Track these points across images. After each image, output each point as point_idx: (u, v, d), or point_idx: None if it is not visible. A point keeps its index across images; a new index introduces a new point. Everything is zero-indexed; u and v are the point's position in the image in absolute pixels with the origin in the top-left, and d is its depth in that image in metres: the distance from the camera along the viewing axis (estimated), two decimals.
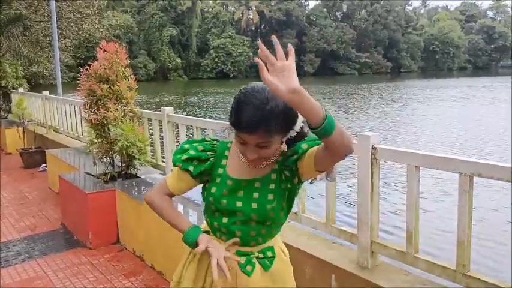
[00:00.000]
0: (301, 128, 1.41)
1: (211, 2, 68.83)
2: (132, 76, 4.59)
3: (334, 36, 65.59)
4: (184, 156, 1.52)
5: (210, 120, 4.03)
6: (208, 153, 1.52)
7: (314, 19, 69.52)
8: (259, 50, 1.18)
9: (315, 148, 1.35)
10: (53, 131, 8.14)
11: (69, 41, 20.18)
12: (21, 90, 10.08)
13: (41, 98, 8.55)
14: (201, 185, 1.58)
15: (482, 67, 77.16)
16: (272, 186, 1.45)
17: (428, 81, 47.16)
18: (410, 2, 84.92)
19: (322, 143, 1.26)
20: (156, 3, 58.21)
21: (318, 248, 2.67)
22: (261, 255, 1.50)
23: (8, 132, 8.77)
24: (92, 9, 17.72)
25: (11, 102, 10.18)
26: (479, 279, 2.01)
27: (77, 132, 6.98)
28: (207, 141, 1.56)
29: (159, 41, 57.59)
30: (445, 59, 74.56)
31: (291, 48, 1.21)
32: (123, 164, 4.55)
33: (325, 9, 71.28)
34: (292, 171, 1.44)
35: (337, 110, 21.89)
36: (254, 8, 65.85)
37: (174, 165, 1.54)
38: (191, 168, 1.51)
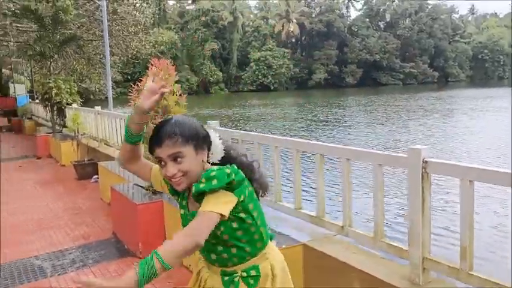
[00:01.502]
0: (228, 152, 1.57)
1: (251, 16, 69.89)
2: (180, 91, 4.74)
3: (377, 46, 64.64)
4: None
5: (255, 133, 4.10)
6: None
7: (356, 29, 68.88)
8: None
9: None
10: (104, 144, 8.50)
11: (118, 58, 21.08)
12: (75, 105, 10.62)
13: (93, 112, 8.98)
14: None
15: None
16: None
17: (476, 91, 45.36)
18: (457, 9, 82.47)
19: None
20: (199, 20, 59.77)
21: (367, 263, 2.64)
22: (244, 274, 1.57)
23: (63, 145, 9.23)
24: (139, 27, 18.46)
25: (65, 117, 10.73)
26: None
27: None
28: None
29: (201, 56, 58.95)
30: (494, 68, 71.63)
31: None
32: None
33: (367, 19, 70.46)
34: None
35: (373, 122, 21.44)
36: (294, 21, 66.14)
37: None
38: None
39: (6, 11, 14.40)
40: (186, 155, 1.46)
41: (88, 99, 26.06)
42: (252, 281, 1.57)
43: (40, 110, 14.56)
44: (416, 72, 66.55)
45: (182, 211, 1.63)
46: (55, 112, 10.86)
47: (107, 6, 15.59)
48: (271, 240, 1.73)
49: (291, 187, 3.88)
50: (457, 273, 2.25)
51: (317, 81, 63.48)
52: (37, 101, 14.47)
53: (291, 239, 3.19)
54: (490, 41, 70.84)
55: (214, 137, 1.57)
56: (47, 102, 10.71)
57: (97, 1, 12.59)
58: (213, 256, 1.60)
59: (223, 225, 1.49)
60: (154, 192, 4.51)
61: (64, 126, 10.78)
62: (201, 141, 1.51)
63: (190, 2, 64.45)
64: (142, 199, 4.42)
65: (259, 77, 61.28)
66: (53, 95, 10.36)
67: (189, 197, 1.59)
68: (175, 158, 1.46)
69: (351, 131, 18.93)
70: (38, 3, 12.96)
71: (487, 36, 72.09)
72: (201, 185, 1.42)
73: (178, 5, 64.47)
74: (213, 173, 1.42)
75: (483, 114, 23.59)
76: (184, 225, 1.60)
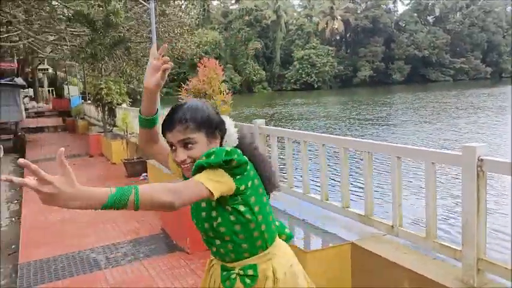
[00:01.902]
0: (242, 142, 1.54)
1: (295, 14, 69.53)
2: (227, 91, 4.82)
3: (425, 42, 62.50)
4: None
5: (301, 131, 4.09)
6: None
7: (403, 25, 66.93)
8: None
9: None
10: None
11: None
12: (124, 105, 11.02)
13: None
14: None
15: None
16: (213, 203, 1.47)
17: None
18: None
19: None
20: (242, 19, 60.21)
21: (418, 264, 2.58)
22: (241, 272, 1.52)
23: (114, 144, 9.60)
24: (184, 28, 18.87)
25: (115, 117, 11.16)
26: None
27: None
28: None
29: (245, 55, 59.36)
30: None
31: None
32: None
33: (415, 14, 68.25)
34: None
35: (419, 120, 20.71)
36: (339, 17, 65.16)
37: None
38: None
39: (61, 16, 15.17)
40: (197, 142, 1.45)
41: (136, 100, 26.91)
42: (248, 281, 1.51)
43: (92, 110, 15.23)
44: (467, 68, 63.77)
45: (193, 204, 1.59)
46: (106, 112, 11.31)
47: (155, 9, 16.07)
48: (288, 241, 1.67)
49: (337, 185, 3.85)
50: None
51: (362, 79, 62.24)
52: (89, 101, 15.15)
53: (339, 237, 3.17)
54: None
55: (229, 124, 1.54)
56: (98, 103, 11.17)
57: (145, 4, 12.98)
58: (213, 249, 1.58)
59: (220, 217, 1.46)
60: None
61: (114, 125, 11.21)
62: (214, 128, 1.48)
63: (233, 1, 65.10)
64: None
65: (303, 75, 60.91)
66: (104, 96, 10.79)
67: None
68: (185, 144, 1.45)
69: (396, 129, 18.43)
70: (91, 8, 13.56)
71: None
72: (200, 160, 1.39)
73: (222, 5, 65.28)
74: (213, 150, 1.40)
75: None
76: (194, 215, 1.58)
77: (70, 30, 15.56)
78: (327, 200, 3.69)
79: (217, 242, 1.53)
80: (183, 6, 19.82)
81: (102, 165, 9.81)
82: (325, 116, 26.00)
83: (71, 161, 10.43)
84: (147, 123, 1.58)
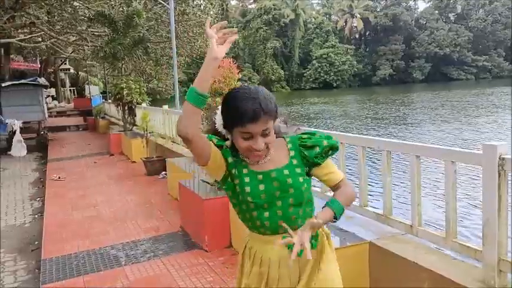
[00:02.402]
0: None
1: (314, 12, 69.15)
2: None
3: (447, 39, 61.41)
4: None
5: (319, 130, 4.08)
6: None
7: (424, 22, 65.92)
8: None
9: (331, 175, 1.67)
10: (171, 141, 8.86)
11: (183, 58, 21.81)
12: (144, 105, 11.16)
13: (161, 111, 9.38)
14: None
15: None
16: (298, 170, 1.60)
17: None
18: None
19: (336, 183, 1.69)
20: (261, 18, 60.21)
21: (438, 264, 2.55)
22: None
23: (134, 143, 9.73)
24: (203, 28, 18.97)
25: (135, 116, 11.30)
26: None
27: None
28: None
29: (263, 54, 59.37)
30: None
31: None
32: None
33: (436, 11, 67.14)
34: (309, 162, 1.63)
35: (437, 120, 20.32)
36: (358, 16, 64.58)
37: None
38: (215, 140, 1.60)
39: (83, 17, 15.46)
40: (271, 129, 1.52)
41: (155, 99, 27.25)
42: (313, 241, 1.64)
43: (112, 110, 15.46)
44: (490, 66, 62.44)
45: (249, 178, 1.59)
46: (126, 111, 11.46)
47: (175, 8, 16.22)
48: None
49: (356, 185, 3.82)
50: None
51: (382, 78, 61.55)
52: (110, 101, 15.37)
53: (357, 237, 3.15)
54: None
55: None
56: (118, 102, 11.33)
57: (165, 4, 13.11)
58: (281, 222, 1.65)
59: (307, 183, 1.64)
60: (220, 189, 4.64)
61: (134, 124, 11.35)
62: (277, 112, 1.57)
63: (252, 1, 65.15)
64: (208, 194, 4.57)
65: (322, 74, 60.58)
66: (124, 95, 10.94)
67: (250, 162, 1.61)
68: (265, 134, 1.51)
69: (412, 129, 18.17)
70: (111, 9, 13.76)
71: None
72: (335, 143, 1.65)
73: (240, 4, 65.42)
74: (324, 134, 1.68)
75: None
76: (275, 194, 1.59)
77: (91, 31, 15.84)
78: None
79: (291, 209, 1.59)
80: (202, 6, 19.93)
81: (122, 163, 9.96)
82: (342, 115, 25.81)
83: (91, 159, 10.65)
84: (202, 101, 1.44)
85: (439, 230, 2.75)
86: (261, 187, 1.56)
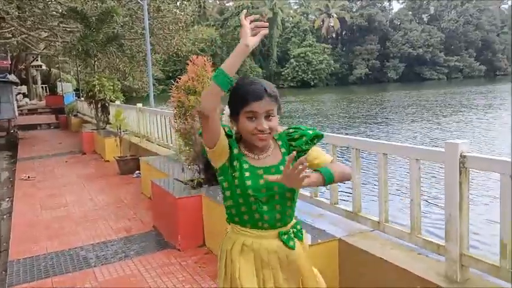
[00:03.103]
0: None
1: (291, 11, 69.44)
2: None
3: (420, 40, 62.66)
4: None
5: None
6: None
7: (398, 23, 67.05)
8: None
9: (321, 157, 1.72)
10: (146, 140, 8.76)
11: (159, 55, 21.56)
12: (117, 102, 10.99)
13: (135, 109, 9.26)
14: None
15: None
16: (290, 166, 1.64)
17: None
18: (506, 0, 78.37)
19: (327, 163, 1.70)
20: (238, 16, 60.05)
21: (403, 259, 2.60)
22: (294, 230, 1.73)
23: (107, 142, 9.57)
24: (179, 25, 18.79)
25: (109, 114, 11.12)
26: None
27: (167, 141, 7.45)
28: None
29: None
30: None
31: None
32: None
33: (410, 12, 68.42)
34: (298, 153, 1.67)
35: (406, 119, 20.73)
36: (335, 15, 65.18)
37: None
38: (226, 129, 1.65)
39: (55, 13, 15.10)
40: (275, 115, 1.61)
41: (131, 97, 26.87)
42: (300, 234, 1.77)
43: (85, 108, 15.17)
44: (461, 66, 64.03)
45: (249, 173, 1.64)
46: (99, 109, 11.27)
47: (150, 5, 16.02)
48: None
49: None
50: (497, 271, 2.18)
51: (358, 77, 62.35)
52: (82, 98, 15.08)
53: (327, 234, 3.19)
54: None
55: None
56: (91, 100, 11.13)
57: (139, 0, 12.93)
58: (278, 216, 1.72)
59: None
60: (194, 187, 4.62)
61: (108, 123, 11.17)
62: (279, 101, 1.66)
63: None
64: (181, 193, 4.54)
65: (299, 73, 60.91)
66: (97, 93, 10.75)
67: (251, 154, 1.67)
68: (268, 115, 1.59)
69: (383, 127, 18.46)
70: (84, 5, 13.49)
71: None
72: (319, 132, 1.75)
73: (218, 2, 65.13)
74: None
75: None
76: (266, 187, 1.64)
77: (63, 27, 15.49)
78: (316, 196, 3.71)
79: (288, 203, 1.69)
80: (178, 3, 19.73)
81: (95, 162, 9.79)
82: (316, 113, 26.05)
83: (63, 158, 10.43)
84: (228, 83, 1.50)
85: (405, 226, 2.80)
86: (262, 182, 1.62)
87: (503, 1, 73.58)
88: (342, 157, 6.12)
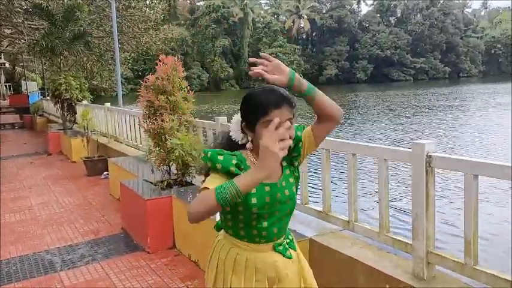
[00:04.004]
0: None
1: (262, 12, 69.64)
2: (188, 87, 4.77)
3: (388, 42, 64.08)
4: (221, 157, 1.49)
5: None
6: (235, 158, 1.50)
7: (367, 25, 68.35)
8: (256, 63, 1.50)
9: (307, 128, 1.64)
10: (114, 140, 8.58)
11: (129, 54, 21.18)
12: (85, 102, 10.72)
13: (103, 109, 9.06)
14: None
15: None
16: (291, 180, 1.66)
17: (483, 86, 44.91)
18: (469, 4, 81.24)
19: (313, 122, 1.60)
20: (209, 16, 59.74)
21: (372, 257, 2.64)
22: (288, 240, 1.71)
23: (74, 142, 9.32)
24: (149, 24, 18.54)
25: (76, 114, 10.84)
26: None
27: (136, 142, 7.32)
28: (229, 153, 1.53)
29: (212, 52, 58.95)
30: (508, 62, 70.46)
31: (266, 54, 1.52)
32: (179, 172, 4.72)
33: (378, 15, 69.87)
34: (297, 159, 1.66)
35: (370, 120, 21.18)
36: (305, 17, 65.80)
37: (214, 167, 1.48)
38: (232, 168, 1.47)
39: (19, 9, 14.59)
40: (293, 123, 1.55)
41: (99, 96, 26.28)
42: (294, 244, 1.76)
43: (51, 107, 14.71)
44: (427, 68, 65.85)
45: (268, 188, 1.59)
46: (65, 109, 10.97)
47: (120, 1, 15.71)
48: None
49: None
50: (462, 268, 2.25)
51: (328, 78, 63.14)
52: (48, 98, 14.64)
53: (297, 233, 3.20)
54: (503, 35, 69.66)
55: None
56: (57, 99, 10.82)
57: None
58: (275, 230, 1.69)
59: (295, 195, 1.69)
60: (163, 188, 4.56)
61: (74, 122, 10.90)
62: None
63: None
64: (151, 194, 4.47)
65: None
66: (63, 92, 10.47)
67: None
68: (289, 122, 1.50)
69: (348, 129, 18.71)
70: (50, 1, 13.10)
71: (500, 30, 70.94)
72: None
73: (188, 1, 64.57)
74: None
75: (481, 111, 23.26)
76: (276, 198, 1.59)
77: (28, 24, 15.00)
78: None
79: (286, 219, 1.67)
80: (147, 1, 19.46)
81: (61, 163, 9.52)
82: None
83: (28, 159, 10.09)
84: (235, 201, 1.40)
85: (374, 225, 2.85)
86: (267, 199, 1.57)
87: (467, 5, 76.21)
88: (312, 157, 6.19)
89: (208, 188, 1.39)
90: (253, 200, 1.54)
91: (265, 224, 1.59)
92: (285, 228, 1.69)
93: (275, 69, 1.47)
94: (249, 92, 1.58)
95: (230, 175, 1.44)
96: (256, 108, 1.51)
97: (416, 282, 2.36)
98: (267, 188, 1.57)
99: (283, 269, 1.64)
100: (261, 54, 1.54)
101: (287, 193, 1.61)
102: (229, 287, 1.63)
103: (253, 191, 1.53)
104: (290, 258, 1.66)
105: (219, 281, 1.67)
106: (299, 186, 1.77)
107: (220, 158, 1.47)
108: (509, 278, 2.06)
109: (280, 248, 1.65)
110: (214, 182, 1.42)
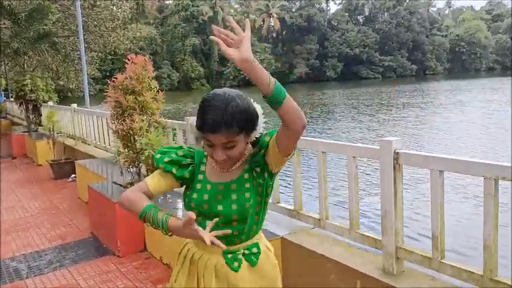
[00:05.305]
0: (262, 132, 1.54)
1: (232, 10, 69.49)
2: (157, 87, 4.69)
3: (356, 40, 65.16)
4: (167, 159, 1.58)
5: None
6: (188, 159, 1.59)
7: (336, 24, 69.27)
8: (215, 30, 1.32)
9: (274, 136, 1.46)
10: (82, 142, 8.37)
11: (96, 54, 20.71)
12: (51, 103, 10.41)
13: (69, 110, 8.82)
14: (181, 188, 1.66)
15: (511, 67, 75.10)
16: (247, 185, 1.53)
17: (445, 83, 46.37)
18: (434, 3, 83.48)
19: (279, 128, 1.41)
20: (179, 15, 59.17)
21: (343, 254, 2.67)
22: (246, 252, 1.57)
23: (39, 145, 9.04)
24: (116, 23, 18.17)
25: (41, 115, 10.51)
26: (507, 284, 1.98)
27: (105, 143, 7.16)
28: (183, 148, 1.64)
29: (182, 51, 58.42)
30: (471, 60, 72.95)
31: (247, 21, 1.35)
32: (149, 173, 4.64)
33: (346, 14, 70.91)
34: (262, 166, 1.52)
35: (336, 118, 21.53)
36: (275, 15, 66.08)
37: (157, 166, 1.60)
38: (174, 171, 1.57)
39: None
40: (237, 143, 1.43)
41: (66, 97, 25.59)
42: (254, 258, 1.59)
43: (15, 109, 14.22)
44: (395, 66, 67.34)
45: (209, 186, 1.56)
46: (30, 110, 10.63)
47: (85, 1, 15.32)
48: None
49: None
50: (430, 262, 2.30)
51: (298, 76, 63.66)
52: (12, 99, 14.15)
53: (269, 232, 3.20)
54: (466, 33, 72.05)
55: (260, 115, 1.52)
56: (21, 100, 10.48)
57: None
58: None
59: (253, 198, 1.55)
60: None
61: (40, 124, 10.57)
62: (254, 127, 1.48)
63: None
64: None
65: (241, 72, 60.99)
66: (28, 93, 10.14)
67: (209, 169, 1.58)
68: (227, 146, 1.43)
69: (316, 127, 18.95)
70: (12, 0, 12.64)
71: (464, 29, 73.31)
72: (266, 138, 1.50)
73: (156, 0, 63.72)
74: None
75: (442, 108, 23.95)
76: (217, 199, 1.54)
77: None
78: None
79: (234, 224, 1.53)
80: (114, 0, 19.07)
81: (27, 167, 9.22)
82: None
83: None
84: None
85: (344, 223, 2.88)
86: (206, 197, 1.54)
87: (432, 4, 78.31)
88: None
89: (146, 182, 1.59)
90: (194, 195, 1.56)
91: (208, 223, 1.52)
92: (237, 235, 1.54)
93: (236, 43, 1.29)
94: (203, 97, 1.46)
95: (181, 166, 1.58)
96: (197, 122, 1.44)
97: (386, 277, 2.40)
98: (209, 187, 1.55)
99: (223, 279, 1.55)
100: (231, 23, 1.39)
101: (234, 197, 1.51)
102: (174, 280, 1.65)
103: (198, 186, 1.56)
104: (235, 270, 1.54)
105: (174, 272, 1.68)
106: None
107: (166, 159, 1.57)
108: (472, 270, 2.12)
109: (229, 256, 1.55)
110: (153, 177, 1.60)
